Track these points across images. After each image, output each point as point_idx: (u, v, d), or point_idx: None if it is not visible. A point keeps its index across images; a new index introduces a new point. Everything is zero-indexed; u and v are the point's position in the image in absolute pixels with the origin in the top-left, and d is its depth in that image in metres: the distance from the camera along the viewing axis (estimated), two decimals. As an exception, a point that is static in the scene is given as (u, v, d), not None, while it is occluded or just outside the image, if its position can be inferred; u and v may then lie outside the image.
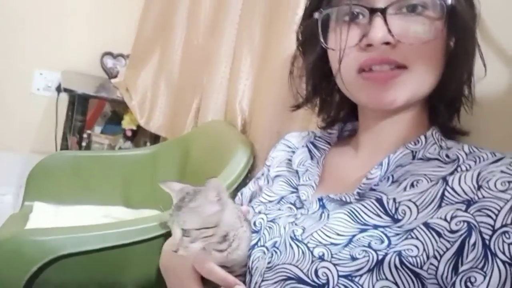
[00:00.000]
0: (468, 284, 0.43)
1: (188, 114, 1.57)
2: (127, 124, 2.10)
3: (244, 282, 0.57)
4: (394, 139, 0.59)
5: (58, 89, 2.16)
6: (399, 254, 0.47)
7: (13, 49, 2.15)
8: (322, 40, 0.59)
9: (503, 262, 0.42)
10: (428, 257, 0.46)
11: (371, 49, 0.53)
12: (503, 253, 0.42)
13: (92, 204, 1.37)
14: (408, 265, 0.46)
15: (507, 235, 0.42)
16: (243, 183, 1.06)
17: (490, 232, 0.43)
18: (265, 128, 1.14)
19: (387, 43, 0.52)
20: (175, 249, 0.54)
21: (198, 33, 1.56)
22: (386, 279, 0.47)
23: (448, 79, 0.57)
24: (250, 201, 0.75)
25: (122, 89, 1.99)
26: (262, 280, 0.55)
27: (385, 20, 0.52)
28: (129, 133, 2.11)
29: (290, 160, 0.71)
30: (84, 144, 1.93)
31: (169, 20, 1.74)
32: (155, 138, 1.95)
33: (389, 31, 0.52)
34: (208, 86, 1.46)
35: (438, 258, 0.46)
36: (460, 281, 0.43)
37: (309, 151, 0.69)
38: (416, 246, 0.47)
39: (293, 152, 0.72)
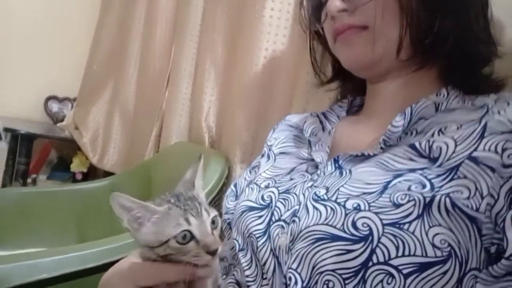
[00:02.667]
0: None
1: (147, 144, 1.46)
2: (76, 167, 1.94)
3: None
4: (402, 100, 0.55)
5: (-3, 137, 1.98)
6: (448, 196, 0.40)
7: None
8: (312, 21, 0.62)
9: None
10: (482, 197, 0.40)
11: (335, 20, 0.56)
12: None
13: (40, 247, 1.19)
14: (464, 208, 0.39)
15: None
16: (220, 194, 0.96)
17: None
18: (238, 138, 1.06)
19: (344, 10, 0.54)
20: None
21: (154, 59, 1.49)
22: (440, 225, 0.39)
23: (439, 32, 0.54)
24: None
25: (71, 129, 1.84)
26: (289, 257, 0.45)
27: None
28: (79, 176, 1.94)
29: (297, 136, 0.67)
30: (28, 190, 1.73)
31: (121, 51, 1.67)
32: (108, 179, 1.79)
33: None
34: (168, 110, 1.37)
35: (495, 196, 0.39)
36: None
37: (321, 122, 0.65)
38: (467, 187, 0.40)
39: (298, 129, 0.68)
